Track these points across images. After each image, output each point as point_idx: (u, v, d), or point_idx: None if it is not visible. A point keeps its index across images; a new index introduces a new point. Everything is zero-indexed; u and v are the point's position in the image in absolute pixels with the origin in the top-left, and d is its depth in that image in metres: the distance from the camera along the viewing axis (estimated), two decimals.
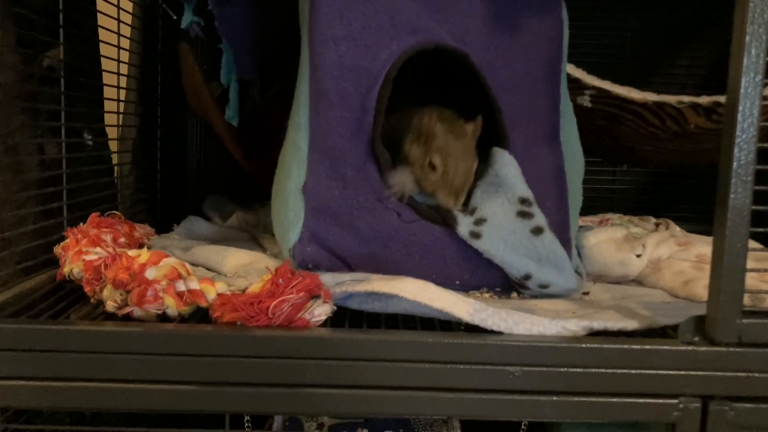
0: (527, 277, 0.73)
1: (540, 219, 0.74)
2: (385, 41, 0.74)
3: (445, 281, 0.68)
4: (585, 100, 0.91)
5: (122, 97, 1.07)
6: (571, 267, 0.76)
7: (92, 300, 0.69)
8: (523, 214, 0.74)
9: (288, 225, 0.75)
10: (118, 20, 1.02)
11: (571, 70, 0.86)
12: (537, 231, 0.74)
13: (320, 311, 0.61)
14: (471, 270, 0.75)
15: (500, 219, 0.73)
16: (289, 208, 0.75)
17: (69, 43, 0.88)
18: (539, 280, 0.73)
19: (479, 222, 0.73)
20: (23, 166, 0.81)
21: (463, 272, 0.75)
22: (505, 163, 0.75)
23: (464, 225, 0.73)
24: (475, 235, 0.73)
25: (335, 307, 0.63)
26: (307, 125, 0.74)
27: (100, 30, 0.99)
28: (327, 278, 0.68)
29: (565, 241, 0.77)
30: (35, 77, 0.83)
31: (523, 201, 0.74)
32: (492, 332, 0.60)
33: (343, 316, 0.65)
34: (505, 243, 0.73)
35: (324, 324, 0.62)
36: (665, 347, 0.58)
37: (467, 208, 0.74)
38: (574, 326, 0.60)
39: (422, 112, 0.75)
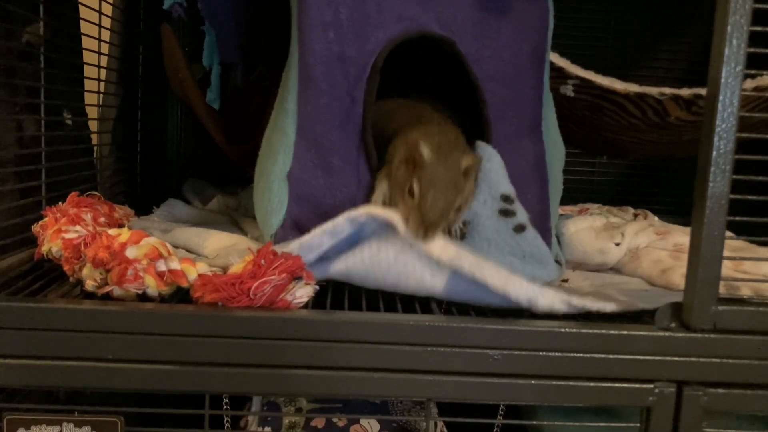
0: None
1: (522, 216, 0.74)
2: (372, 29, 0.73)
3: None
4: (568, 90, 0.92)
5: (103, 77, 1.06)
6: (553, 260, 0.76)
7: (71, 279, 0.68)
8: (506, 212, 0.74)
9: (271, 210, 0.74)
10: None
11: (555, 59, 0.87)
12: (519, 229, 0.73)
13: (302, 293, 0.61)
14: None
15: (482, 219, 0.73)
16: (273, 194, 0.74)
17: (49, 19, 0.87)
18: (523, 276, 0.74)
19: (463, 224, 0.73)
20: (1, 142, 0.79)
21: None
22: (488, 158, 0.75)
23: None
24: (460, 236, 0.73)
25: (317, 287, 0.63)
26: (296, 111, 0.73)
27: (81, 8, 0.98)
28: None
29: (545, 231, 0.77)
30: (14, 53, 0.82)
31: (506, 198, 0.74)
32: (471, 315, 0.60)
33: (324, 298, 0.65)
34: (489, 243, 0.73)
35: (305, 306, 0.62)
36: (642, 333, 0.59)
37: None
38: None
39: (415, 134, 0.70)
